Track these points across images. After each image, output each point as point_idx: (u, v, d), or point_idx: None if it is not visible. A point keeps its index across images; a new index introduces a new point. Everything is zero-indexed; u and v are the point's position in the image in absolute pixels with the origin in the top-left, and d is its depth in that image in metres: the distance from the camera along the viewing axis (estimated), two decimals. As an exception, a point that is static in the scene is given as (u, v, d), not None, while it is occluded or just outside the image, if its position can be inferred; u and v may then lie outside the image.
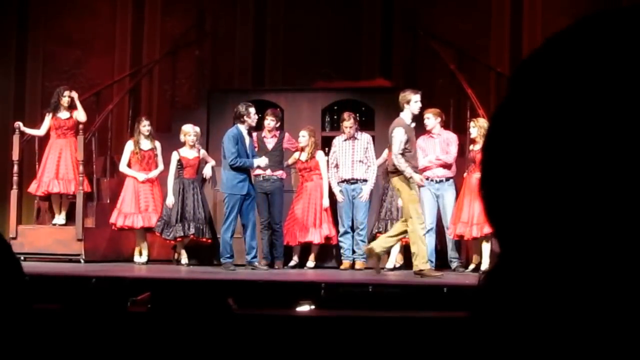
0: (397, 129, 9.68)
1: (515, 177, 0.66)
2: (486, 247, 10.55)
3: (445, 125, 11.18)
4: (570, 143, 0.63)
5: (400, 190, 9.70)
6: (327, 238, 11.36)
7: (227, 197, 10.76)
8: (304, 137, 11.35)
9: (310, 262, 11.42)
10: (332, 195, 11.48)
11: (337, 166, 11.38)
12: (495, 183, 0.69)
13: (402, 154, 9.62)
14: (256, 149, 11.31)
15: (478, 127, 10.59)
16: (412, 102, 9.86)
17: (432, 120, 10.90)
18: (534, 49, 0.72)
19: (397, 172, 9.63)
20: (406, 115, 9.86)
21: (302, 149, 11.42)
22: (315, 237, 11.29)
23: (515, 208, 0.66)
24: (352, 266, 11.12)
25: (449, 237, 10.72)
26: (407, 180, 9.55)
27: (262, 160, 10.90)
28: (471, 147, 10.86)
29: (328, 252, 11.65)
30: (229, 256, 10.71)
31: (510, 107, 0.70)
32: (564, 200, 0.63)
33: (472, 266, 10.79)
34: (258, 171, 11.23)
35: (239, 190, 10.68)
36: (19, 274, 1.27)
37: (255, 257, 10.75)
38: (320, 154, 11.46)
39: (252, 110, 10.90)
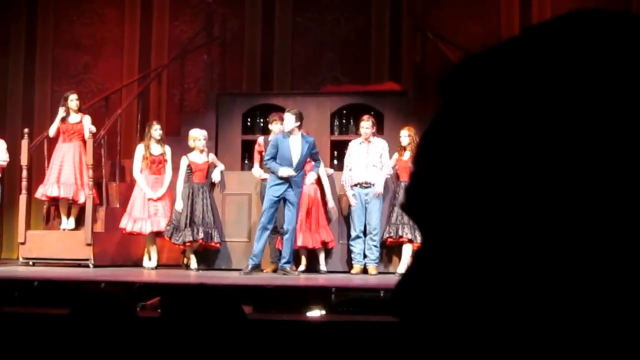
0: None
1: (451, 189, 0.68)
2: None
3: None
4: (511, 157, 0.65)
5: None
6: (324, 243, 11.28)
7: (265, 197, 10.83)
8: None
9: (323, 267, 11.33)
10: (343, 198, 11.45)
11: (351, 169, 11.31)
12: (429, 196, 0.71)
13: None
14: (262, 153, 11.28)
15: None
16: None
17: None
18: (469, 57, 0.74)
19: None
20: None
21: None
22: (310, 241, 11.19)
23: (447, 213, 0.69)
24: (364, 271, 11.05)
25: None
26: None
27: (285, 171, 10.72)
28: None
29: (339, 257, 11.58)
30: (251, 256, 10.72)
31: (448, 119, 0.72)
32: (494, 209, 0.66)
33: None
34: (264, 175, 11.20)
35: (273, 193, 10.69)
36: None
37: (287, 262, 10.70)
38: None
39: (285, 114, 10.94)
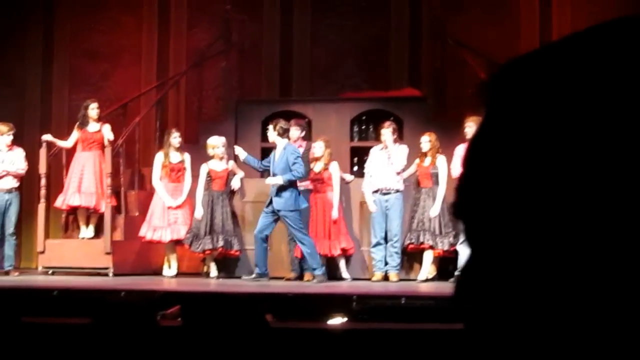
0: None
1: (503, 190, 0.69)
2: None
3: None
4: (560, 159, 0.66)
5: None
6: (344, 250, 11.21)
7: None
8: (320, 147, 11.13)
9: (345, 274, 11.23)
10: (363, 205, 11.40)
11: (371, 176, 11.22)
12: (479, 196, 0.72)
13: None
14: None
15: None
16: None
17: (474, 129, 10.75)
18: (519, 56, 0.74)
19: None
20: None
21: (317, 160, 11.21)
22: (328, 249, 11.11)
23: (499, 216, 0.70)
24: (385, 278, 10.97)
25: None
26: None
27: (237, 149, 11.21)
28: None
29: (359, 264, 11.51)
30: (256, 267, 10.71)
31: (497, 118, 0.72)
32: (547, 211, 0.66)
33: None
34: None
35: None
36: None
37: (314, 269, 10.67)
38: (334, 166, 11.26)
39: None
